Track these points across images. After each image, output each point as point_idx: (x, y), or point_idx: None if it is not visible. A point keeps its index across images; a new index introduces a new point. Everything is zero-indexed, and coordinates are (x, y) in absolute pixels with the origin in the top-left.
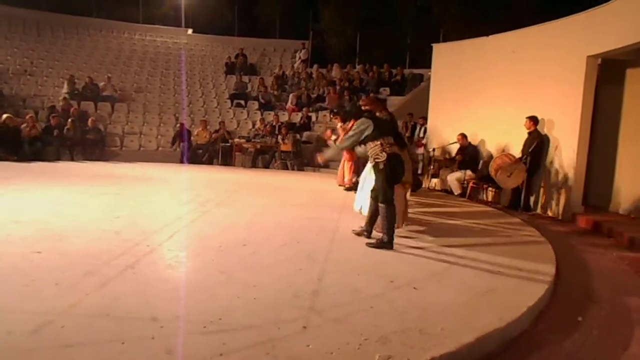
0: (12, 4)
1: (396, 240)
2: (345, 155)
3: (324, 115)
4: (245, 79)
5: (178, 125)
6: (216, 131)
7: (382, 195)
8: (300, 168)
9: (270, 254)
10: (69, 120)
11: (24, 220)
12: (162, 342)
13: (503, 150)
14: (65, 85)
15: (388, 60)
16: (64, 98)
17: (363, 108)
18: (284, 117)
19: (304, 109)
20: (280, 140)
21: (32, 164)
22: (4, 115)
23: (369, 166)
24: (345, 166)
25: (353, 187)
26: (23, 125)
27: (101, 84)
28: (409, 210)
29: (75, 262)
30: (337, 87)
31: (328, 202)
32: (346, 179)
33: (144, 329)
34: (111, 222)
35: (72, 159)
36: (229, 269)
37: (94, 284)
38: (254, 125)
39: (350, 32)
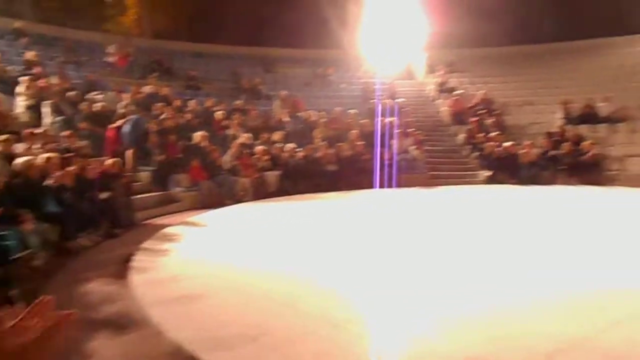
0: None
1: None
2: None
3: None
4: None
5: None
6: None
7: None
8: None
9: None
10: (564, 144)
11: None
12: None
13: None
14: (560, 111)
15: None
16: (561, 125)
17: None
18: None
19: None
20: None
21: (528, 187)
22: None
23: None
24: None
25: None
26: (521, 151)
27: (600, 104)
28: None
29: None
30: None
31: None
32: None
33: None
34: None
35: (568, 183)
36: None
37: None
38: None
39: None
